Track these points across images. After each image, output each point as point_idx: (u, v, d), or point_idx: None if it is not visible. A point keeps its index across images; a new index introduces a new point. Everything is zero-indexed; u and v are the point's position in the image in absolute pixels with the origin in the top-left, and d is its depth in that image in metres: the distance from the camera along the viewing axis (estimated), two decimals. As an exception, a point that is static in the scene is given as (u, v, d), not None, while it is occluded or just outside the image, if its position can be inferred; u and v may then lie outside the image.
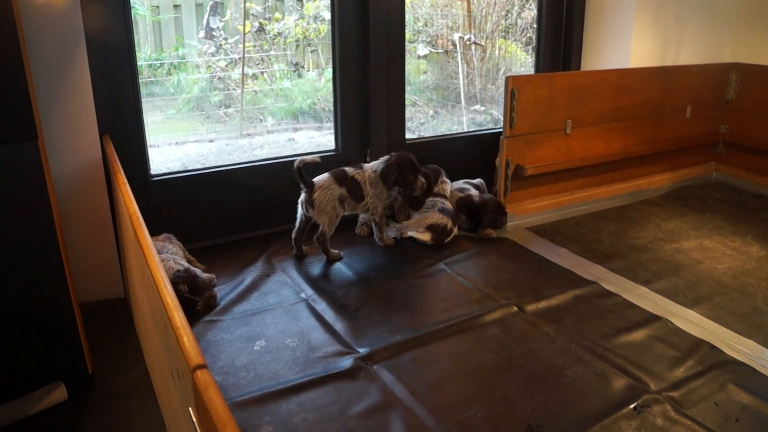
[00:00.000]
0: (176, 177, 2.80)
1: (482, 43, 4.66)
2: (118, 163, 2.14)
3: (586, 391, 1.86)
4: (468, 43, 4.63)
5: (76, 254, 2.35)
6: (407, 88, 3.35)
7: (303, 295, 2.45)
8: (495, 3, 4.59)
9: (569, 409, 1.78)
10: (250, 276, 2.59)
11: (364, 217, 3.04)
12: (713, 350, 2.09)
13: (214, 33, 4.33)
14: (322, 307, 2.35)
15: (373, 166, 2.77)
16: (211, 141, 4.23)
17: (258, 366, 1.98)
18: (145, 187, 2.70)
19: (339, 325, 2.22)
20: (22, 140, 1.66)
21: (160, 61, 4.37)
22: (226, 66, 4.44)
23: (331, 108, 3.25)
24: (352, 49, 3.08)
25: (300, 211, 2.72)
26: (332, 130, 3.27)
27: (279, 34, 4.49)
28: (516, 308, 2.34)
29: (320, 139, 4.32)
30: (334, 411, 1.76)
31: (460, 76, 4.64)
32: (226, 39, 4.38)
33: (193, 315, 2.27)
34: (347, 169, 2.74)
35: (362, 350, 2.06)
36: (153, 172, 2.76)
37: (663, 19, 3.67)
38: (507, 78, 3.06)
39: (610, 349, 2.08)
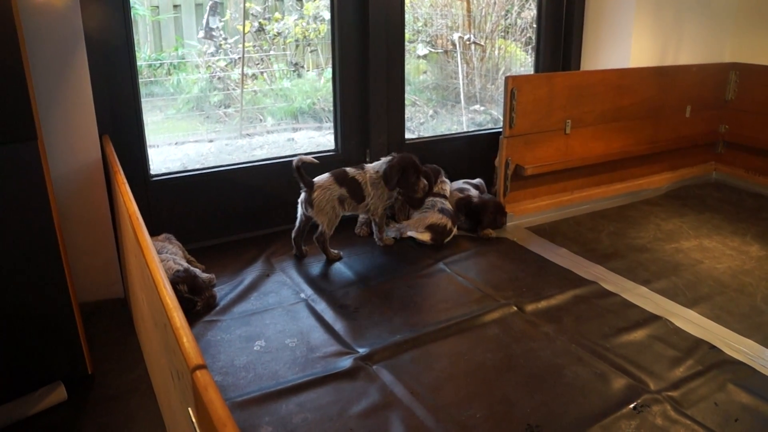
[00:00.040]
0: (176, 177, 2.80)
1: (482, 43, 4.66)
2: (118, 163, 2.14)
3: (586, 391, 1.86)
4: (468, 42, 4.63)
5: (76, 254, 2.35)
6: (407, 88, 3.35)
7: (303, 295, 2.45)
8: (495, 3, 4.59)
9: (569, 409, 1.78)
10: (249, 276, 2.59)
11: (363, 217, 3.04)
12: (713, 350, 2.09)
13: (214, 33, 4.33)
14: (321, 307, 2.35)
15: (375, 166, 2.77)
16: (211, 141, 4.23)
17: (257, 366, 1.98)
18: (144, 187, 2.70)
19: (339, 325, 2.22)
20: (21, 140, 1.66)
21: (159, 61, 4.36)
22: (226, 66, 4.44)
23: (331, 108, 3.25)
24: (352, 49, 3.08)
25: (300, 210, 2.72)
26: (332, 130, 3.27)
27: (279, 34, 4.49)
28: (515, 308, 2.34)
29: (320, 139, 4.32)
30: (333, 411, 1.76)
31: (460, 76, 4.64)
32: (225, 39, 4.38)
33: (193, 315, 2.27)
34: (348, 169, 2.74)
35: (362, 350, 2.06)
36: (153, 172, 2.76)
37: (662, 18, 3.67)
38: (506, 78, 3.06)
39: (610, 349, 2.08)
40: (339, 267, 2.70)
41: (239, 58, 4.34)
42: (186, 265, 2.37)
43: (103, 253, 2.47)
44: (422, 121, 4.64)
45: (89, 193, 2.39)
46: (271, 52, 4.52)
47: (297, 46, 4.57)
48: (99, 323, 2.31)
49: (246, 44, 4.34)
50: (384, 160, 2.77)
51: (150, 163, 2.75)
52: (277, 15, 4.49)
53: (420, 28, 4.71)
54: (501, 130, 3.17)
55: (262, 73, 4.52)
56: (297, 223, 2.75)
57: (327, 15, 4.10)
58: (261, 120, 4.47)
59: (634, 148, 3.61)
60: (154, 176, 2.75)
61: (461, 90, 4.67)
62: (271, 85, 4.54)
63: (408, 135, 3.39)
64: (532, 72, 3.96)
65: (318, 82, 4.60)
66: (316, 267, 2.70)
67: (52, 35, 2.17)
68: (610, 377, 1.93)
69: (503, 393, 1.85)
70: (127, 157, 2.58)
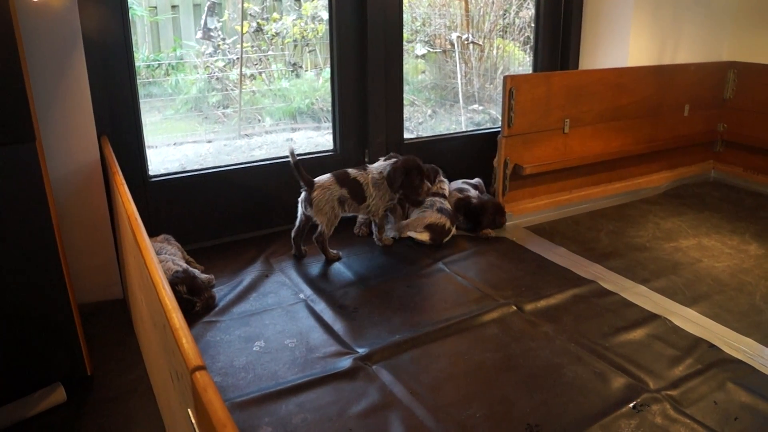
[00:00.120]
0: (174, 178, 2.80)
1: (480, 43, 4.66)
2: (116, 164, 2.14)
3: (586, 391, 1.86)
4: (466, 42, 4.64)
5: (75, 255, 2.35)
6: (405, 88, 3.35)
7: (302, 295, 2.45)
8: (493, 2, 4.59)
9: (568, 409, 1.78)
10: (248, 276, 2.59)
11: (363, 217, 3.04)
12: (712, 349, 2.09)
13: (212, 33, 4.33)
14: (321, 307, 2.35)
15: (378, 167, 2.76)
16: (210, 141, 4.23)
17: (257, 367, 1.98)
18: (143, 188, 2.70)
19: (338, 326, 2.21)
20: (19, 142, 1.66)
21: (158, 62, 4.36)
22: (224, 66, 4.44)
23: (329, 108, 3.25)
24: (350, 49, 3.08)
25: (300, 209, 2.72)
26: (330, 130, 3.27)
27: (277, 34, 4.48)
28: (515, 308, 2.34)
29: (318, 139, 4.32)
30: (333, 411, 1.76)
31: (458, 76, 4.64)
32: (223, 39, 4.38)
33: (192, 316, 2.27)
34: (350, 170, 2.73)
35: (361, 350, 2.06)
36: (151, 173, 2.76)
37: (660, 17, 3.67)
38: (505, 77, 3.06)
39: (609, 348, 2.08)
40: (338, 267, 2.70)
41: (237, 58, 4.34)
42: (185, 265, 2.37)
43: (102, 254, 2.47)
44: (421, 120, 4.64)
45: (88, 194, 2.39)
46: (270, 53, 4.52)
47: (295, 46, 4.57)
48: (98, 324, 2.31)
49: (244, 44, 4.34)
50: (388, 162, 2.75)
51: (148, 163, 2.75)
52: (275, 15, 4.49)
53: (418, 28, 4.72)
54: (499, 129, 3.17)
55: (260, 73, 4.52)
56: (297, 223, 2.75)
57: (325, 15, 4.10)
58: (259, 120, 4.47)
59: (632, 147, 3.62)
60: (152, 177, 2.75)
61: (460, 89, 4.67)
62: (269, 86, 4.54)
63: (406, 135, 3.39)
64: (530, 71, 3.96)
65: (316, 82, 4.60)
66: (315, 267, 2.70)
67: (50, 36, 2.17)
68: (610, 376, 1.93)
69: (503, 393, 1.85)
70: (126, 158, 2.58)
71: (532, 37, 3.96)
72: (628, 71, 3.50)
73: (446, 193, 3.11)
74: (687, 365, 1.99)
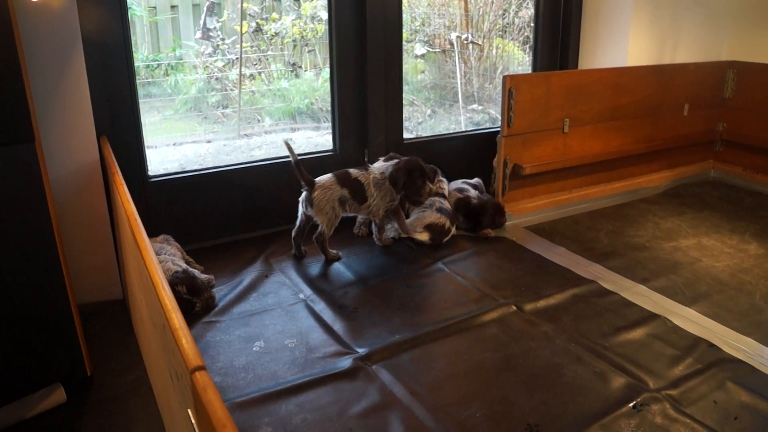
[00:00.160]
0: (174, 178, 2.80)
1: (479, 43, 4.66)
2: (116, 164, 2.14)
3: (585, 390, 1.86)
4: (465, 42, 4.64)
5: (74, 256, 2.35)
6: (405, 88, 3.35)
7: (302, 295, 2.45)
8: (492, 2, 4.59)
9: (568, 408, 1.78)
10: (248, 277, 2.59)
11: (362, 217, 3.04)
12: (712, 348, 2.09)
13: (211, 33, 4.33)
14: (320, 307, 2.35)
15: (379, 168, 2.76)
16: (209, 141, 4.23)
17: (257, 367, 1.98)
18: (142, 188, 2.70)
19: (338, 326, 2.21)
20: (19, 142, 1.66)
21: (157, 62, 4.36)
22: (224, 66, 4.44)
23: (329, 108, 3.25)
24: (350, 48, 3.08)
25: (300, 209, 2.71)
26: (330, 130, 3.27)
27: (276, 34, 4.48)
28: (515, 307, 2.34)
29: (318, 139, 4.32)
30: (333, 411, 1.76)
31: (458, 76, 4.64)
32: (223, 39, 4.38)
33: (192, 316, 2.27)
34: (351, 170, 2.73)
35: (361, 350, 2.06)
36: (151, 173, 2.76)
37: (660, 17, 3.67)
38: (504, 77, 3.06)
39: (609, 348, 2.08)
40: (338, 267, 2.70)
41: (237, 58, 4.34)
42: (185, 266, 2.37)
43: (102, 255, 2.47)
44: (420, 120, 4.64)
45: (87, 194, 2.39)
46: (269, 53, 4.52)
47: (294, 46, 4.57)
48: (98, 324, 2.31)
49: (243, 45, 4.34)
50: (390, 162, 2.75)
51: (148, 164, 2.75)
52: (275, 15, 4.49)
53: (418, 28, 4.72)
54: (499, 129, 3.17)
55: (259, 73, 4.52)
56: (297, 223, 2.74)
57: (324, 15, 4.10)
58: (259, 120, 4.47)
59: (632, 147, 3.62)
60: (152, 177, 2.75)
61: (459, 89, 4.67)
62: (268, 86, 4.54)
63: (406, 135, 3.39)
64: (529, 71, 3.96)
65: (316, 82, 4.60)
66: (315, 267, 2.70)
67: (50, 36, 2.17)
68: (610, 376, 1.93)
69: (502, 392, 1.85)
70: (125, 158, 2.58)
71: (531, 36, 3.96)
72: (628, 71, 3.51)
73: (445, 192, 3.11)
74: (687, 365, 1.99)
